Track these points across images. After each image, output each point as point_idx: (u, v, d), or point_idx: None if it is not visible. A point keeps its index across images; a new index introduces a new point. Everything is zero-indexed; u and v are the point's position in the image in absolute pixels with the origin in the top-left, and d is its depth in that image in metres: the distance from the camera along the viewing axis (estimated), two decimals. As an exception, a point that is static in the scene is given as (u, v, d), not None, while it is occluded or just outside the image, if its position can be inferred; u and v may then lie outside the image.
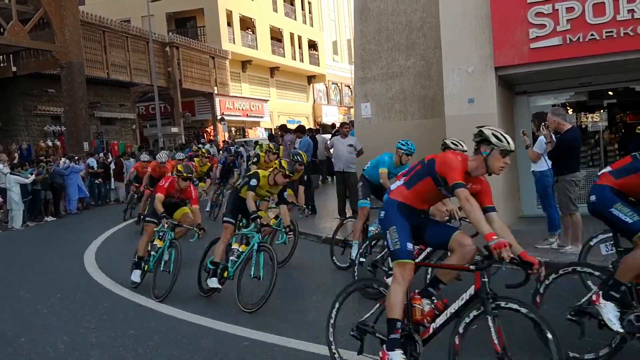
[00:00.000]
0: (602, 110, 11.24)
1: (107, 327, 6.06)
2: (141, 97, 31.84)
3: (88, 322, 6.27)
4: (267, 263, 6.46)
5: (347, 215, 11.85)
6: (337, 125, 20.37)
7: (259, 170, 7.50)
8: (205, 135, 33.05)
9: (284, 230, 7.15)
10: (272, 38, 41.18)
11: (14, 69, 23.54)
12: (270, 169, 7.56)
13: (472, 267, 3.79)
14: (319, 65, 47.42)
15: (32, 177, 15.31)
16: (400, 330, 3.94)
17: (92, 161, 19.57)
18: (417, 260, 4.61)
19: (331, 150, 12.47)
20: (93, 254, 10.50)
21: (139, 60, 28.23)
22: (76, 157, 18.60)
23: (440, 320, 3.95)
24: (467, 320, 3.77)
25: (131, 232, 12.99)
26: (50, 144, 23.72)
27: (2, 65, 24.08)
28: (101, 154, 21.85)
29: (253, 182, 6.98)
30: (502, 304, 3.66)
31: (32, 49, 22.68)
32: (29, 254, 11.46)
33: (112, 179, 20.26)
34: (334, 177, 13.70)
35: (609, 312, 4.18)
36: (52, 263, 10.13)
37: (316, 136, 17.57)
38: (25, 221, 15.46)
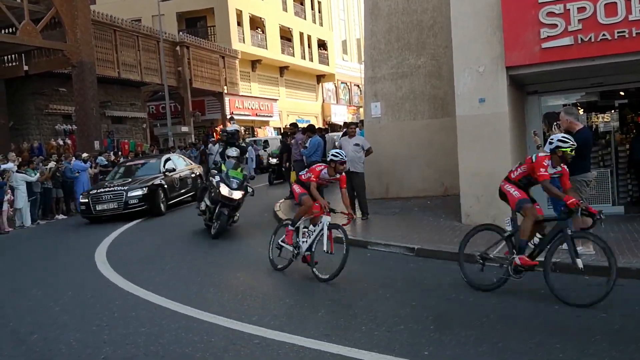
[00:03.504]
0: (613, 111, 11.18)
1: (119, 324, 6.09)
2: (151, 96, 31.98)
3: (100, 320, 6.31)
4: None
5: (356, 215, 11.90)
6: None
7: None
8: (214, 134, 33.12)
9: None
10: (281, 37, 41.24)
11: (25, 68, 23.68)
12: None
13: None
14: (328, 65, 47.45)
15: (37, 176, 15.44)
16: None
17: (101, 159, 19.72)
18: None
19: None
20: (104, 251, 10.55)
21: (150, 60, 28.33)
22: (84, 155, 18.68)
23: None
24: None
25: (142, 229, 13.07)
26: (61, 142, 23.86)
27: (14, 64, 24.24)
28: (111, 153, 21.98)
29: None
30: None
31: (43, 48, 22.82)
32: (40, 251, 11.55)
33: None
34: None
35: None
36: (64, 261, 10.20)
37: (325, 135, 17.57)
38: (37, 219, 15.58)
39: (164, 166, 16.34)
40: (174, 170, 16.57)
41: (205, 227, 11.56)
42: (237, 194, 10.81)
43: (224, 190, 10.67)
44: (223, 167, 11.24)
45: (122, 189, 14.91)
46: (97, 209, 14.69)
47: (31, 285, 8.39)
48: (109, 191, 14.90)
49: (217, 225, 10.79)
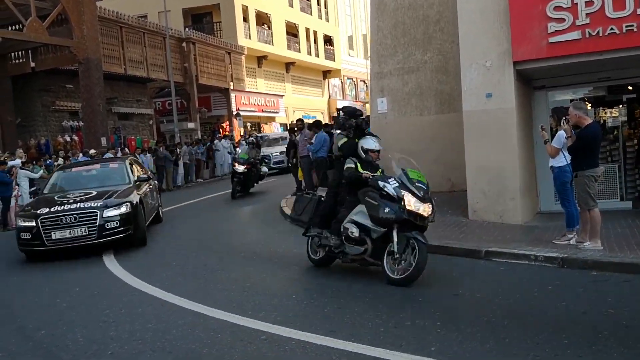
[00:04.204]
0: (621, 106, 11.12)
1: (126, 321, 6.11)
2: (158, 92, 32.02)
3: (107, 316, 6.32)
4: None
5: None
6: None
7: None
8: (221, 130, 33.18)
9: None
10: (287, 33, 41.20)
11: (32, 64, 23.74)
12: None
13: None
14: (334, 61, 47.39)
15: (41, 173, 15.50)
16: None
17: (108, 156, 19.75)
18: None
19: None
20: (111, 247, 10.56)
21: (156, 56, 28.35)
22: (91, 152, 18.71)
23: None
24: None
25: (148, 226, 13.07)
26: (68, 139, 23.92)
27: (21, 61, 24.32)
28: (118, 149, 22.03)
29: None
30: None
31: (50, 45, 22.87)
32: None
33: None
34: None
35: None
36: (70, 257, 10.20)
37: (332, 131, 17.53)
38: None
39: (132, 173, 11.53)
40: (148, 179, 12.18)
41: (312, 265, 7.98)
42: (425, 209, 6.88)
43: (410, 200, 6.76)
44: (359, 168, 7.32)
45: (93, 205, 9.73)
46: (54, 237, 9.45)
47: (38, 281, 8.42)
48: (73, 210, 9.60)
49: (413, 264, 6.62)
